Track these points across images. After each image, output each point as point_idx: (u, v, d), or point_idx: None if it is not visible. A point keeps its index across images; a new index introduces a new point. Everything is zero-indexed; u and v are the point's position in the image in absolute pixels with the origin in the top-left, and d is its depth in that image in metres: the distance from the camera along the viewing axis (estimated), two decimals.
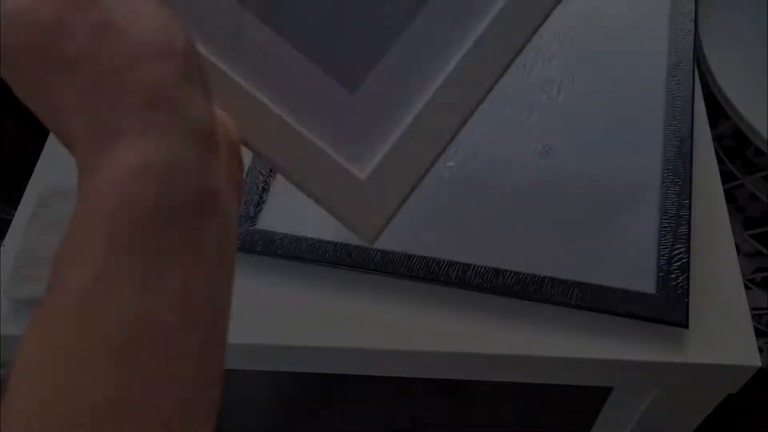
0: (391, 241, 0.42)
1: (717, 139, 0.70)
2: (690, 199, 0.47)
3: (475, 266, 0.43)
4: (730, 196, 0.74)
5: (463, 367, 0.46)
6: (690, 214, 0.46)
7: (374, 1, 0.30)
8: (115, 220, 0.18)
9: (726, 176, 0.72)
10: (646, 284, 0.42)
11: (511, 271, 0.43)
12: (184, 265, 0.18)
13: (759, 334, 0.78)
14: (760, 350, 0.82)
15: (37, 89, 0.20)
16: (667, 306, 0.42)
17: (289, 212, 0.47)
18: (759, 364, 0.41)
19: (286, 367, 0.49)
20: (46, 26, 0.19)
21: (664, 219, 0.45)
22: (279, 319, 0.45)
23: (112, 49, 0.19)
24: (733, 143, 0.76)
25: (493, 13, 0.29)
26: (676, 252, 0.44)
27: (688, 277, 0.43)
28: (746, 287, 0.71)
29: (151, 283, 0.18)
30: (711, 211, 0.47)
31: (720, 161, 0.69)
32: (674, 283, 0.42)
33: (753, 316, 0.75)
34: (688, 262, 0.44)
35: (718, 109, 0.69)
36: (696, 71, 0.52)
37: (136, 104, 0.19)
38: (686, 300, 0.42)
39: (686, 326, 0.41)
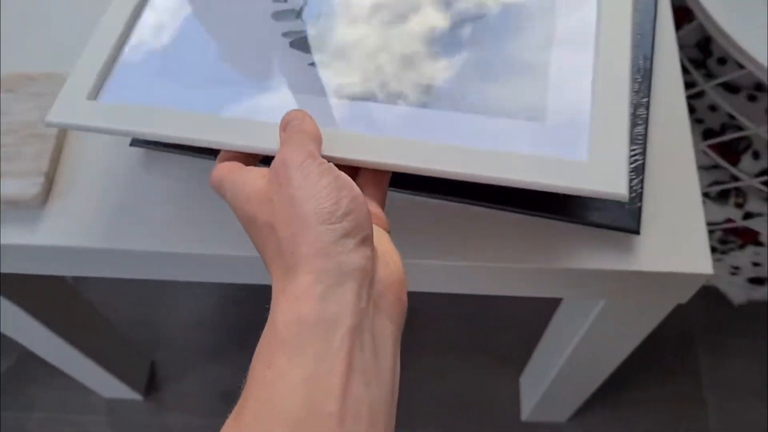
0: None
1: (679, 46, 0.66)
2: (648, 98, 0.43)
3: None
4: (689, 107, 0.71)
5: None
6: (648, 114, 0.43)
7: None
8: (287, 327, 0.26)
9: (686, 86, 0.69)
10: None
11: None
12: (343, 370, 0.25)
13: (713, 249, 0.77)
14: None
15: (255, 236, 0.31)
16: (618, 210, 0.39)
17: None
18: (711, 271, 0.38)
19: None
20: (263, 201, 0.30)
21: None
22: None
23: (294, 215, 0.28)
24: (697, 52, 0.73)
25: None
26: (631, 152, 0.40)
27: (642, 180, 0.40)
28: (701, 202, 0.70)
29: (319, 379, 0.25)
30: (671, 114, 0.43)
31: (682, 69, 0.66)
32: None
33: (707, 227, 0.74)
34: (644, 165, 0.41)
35: (682, 13, 0.65)
36: None
37: (307, 255, 0.27)
38: (639, 204, 0.39)
39: (638, 232, 0.39)
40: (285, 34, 0.42)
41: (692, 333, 0.89)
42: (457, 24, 0.41)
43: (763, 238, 0.69)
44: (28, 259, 0.43)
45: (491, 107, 0.38)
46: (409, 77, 0.40)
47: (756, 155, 0.68)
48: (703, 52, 0.73)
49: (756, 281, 0.79)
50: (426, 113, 0.38)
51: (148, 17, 0.42)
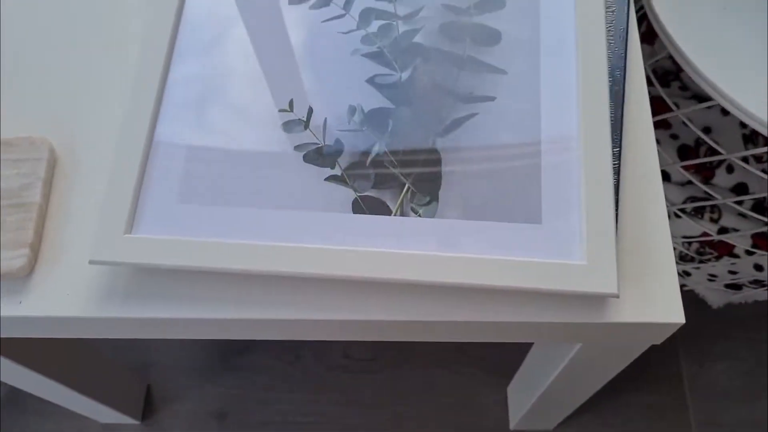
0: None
1: (653, 57, 0.67)
2: (620, 147, 0.44)
3: None
4: (663, 123, 0.72)
5: (378, 331, 0.44)
6: (619, 164, 0.44)
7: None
8: None
9: (661, 101, 0.70)
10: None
11: None
12: None
13: (688, 259, 0.79)
14: (688, 274, 0.83)
15: None
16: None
17: None
18: (683, 321, 0.40)
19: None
20: None
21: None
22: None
23: None
24: (671, 64, 0.74)
25: None
26: None
27: (616, 230, 0.41)
28: (676, 216, 0.71)
29: None
30: (643, 164, 0.44)
31: (653, 85, 0.66)
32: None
33: (682, 243, 0.75)
34: (617, 216, 0.42)
35: (654, 30, 0.66)
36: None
37: None
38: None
39: (617, 296, 0.40)
40: (297, 147, 0.43)
41: (674, 338, 0.91)
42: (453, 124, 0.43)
43: (738, 251, 0.71)
44: (15, 326, 0.43)
45: (489, 212, 0.40)
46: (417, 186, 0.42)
47: (730, 169, 0.70)
48: (677, 64, 0.74)
49: (733, 287, 0.81)
50: (433, 223, 0.41)
51: (161, 136, 0.44)
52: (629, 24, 0.48)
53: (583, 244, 0.39)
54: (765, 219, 0.58)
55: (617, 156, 0.44)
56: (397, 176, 0.42)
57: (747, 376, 0.89)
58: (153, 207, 0.42)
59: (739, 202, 0.66)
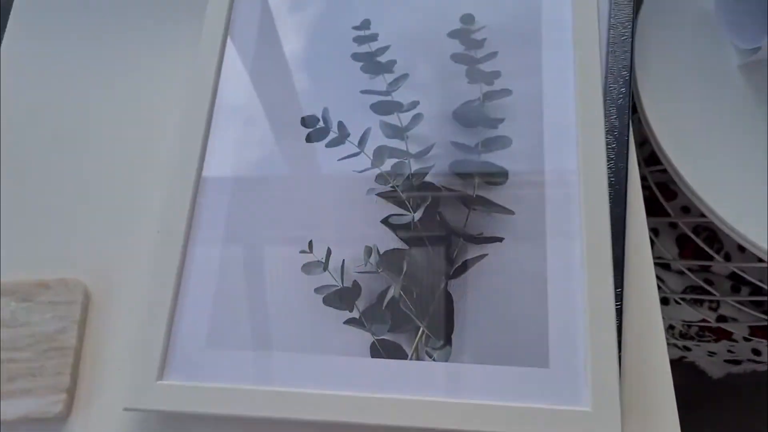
0: None
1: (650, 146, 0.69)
2: (622, 288, 0.47)
3: None
4: (662, 210, 0.75)
5: None
6: (621, 305, 0.46)
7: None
8: None
9: (663, 186, 0.73)
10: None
11: None
12: None
13: (688, 338, 0.81)
14: (688, 349, 0.86)
15: None
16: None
17: None
18: None
19: None
20: None
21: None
22: None
23: None
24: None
25: None
26: None
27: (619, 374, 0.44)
28: (676, 303, 0.74)
29: None
30: (644, 305, 0.47)
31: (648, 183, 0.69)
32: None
33: (682, 325, 0.78)
34: (620, 357, 0.45)
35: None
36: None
37: None
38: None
39: None
40: (317, 290, 0.45)
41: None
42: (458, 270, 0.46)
43: (737, 336, 0.74)
44: None
45: (500, 356, 0.43)
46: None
47: (727, 257, 0.72)
48: None
49: (733, 362, 0.84)
50: (446, 367, 0.44)
51: (188, 283, 0.47)
52: (629, 167, 0.50)
53: (588, 388, 0.42)
54: (763, 315, 0.60)
55: (619, 296, 0.46)
56: (412, 319, 0.45)
57: None
58: (183, 353, 0.44)
59: (737, 290, 0.69)
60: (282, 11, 0.56)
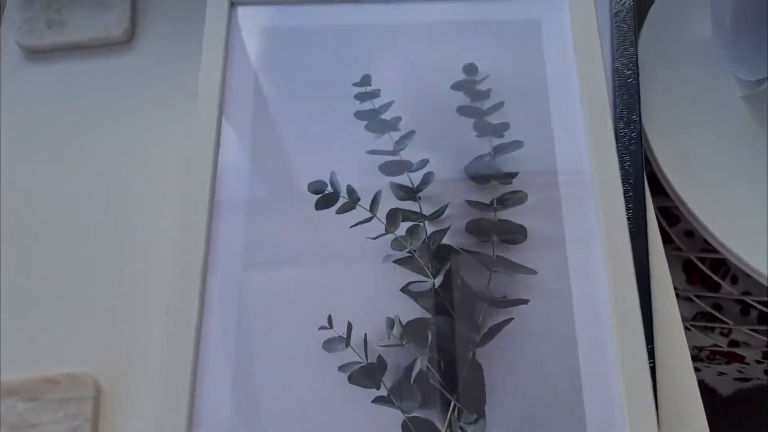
0: None
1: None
2: (653, 344, 0.46)
3: None
4: (666, 237, 0.75)
5: None
6: (654, 362, 0.45)
7: None
8: None
9: (663, 211, 0.72)
10: None
11: None
12: None
13: (699, 360, 0.81)
14: (698, 369, 0.86)
15: None
16: None
17: None
18: None
19: None
20: None
21: None
22: None
23: None
24: None
25: None
26: None
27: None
28: (687, 329, 0.73)
29: None
30: (675, 361, 0.46)
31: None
32: None
33: (693, 348, 0.78)
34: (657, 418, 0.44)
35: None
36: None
37: None
38: None
39: None
40: (341, 368, 0.44)
41: None
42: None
43: (749, 359, 0.74)
44: None
45: (533, 426, 0.42)
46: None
47: (734, 280, 0.72)
48: None
49: (742, 380, 0.84)
50: None
51: (204, 371, 0.44)
52: (648, 216, 0.50)
53: None
54: None
55: (651, 353, 0.45)
56: (442, 393, 0.43)
57: None
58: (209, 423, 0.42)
59: (746, 313, 0.69)
60: (277, 72, 0.54)
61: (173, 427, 0.42)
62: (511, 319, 0.45)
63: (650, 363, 0.45)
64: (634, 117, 0.51)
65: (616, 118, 0.52)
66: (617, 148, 0.50)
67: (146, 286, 0.49)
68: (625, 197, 0.48)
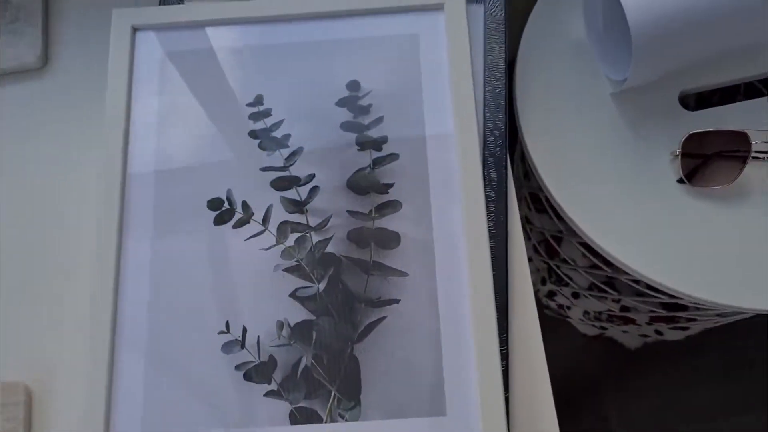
0: None
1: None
2: (507, 334, 0.53)
3: None
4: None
5: None
6: (507, 350, 0.52)
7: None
8: None
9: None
10: None
11: None
12: None
13: (603, 320, 0.89)
14: (605, 328, 0.93)
15: None
16: None
17: None
18: None
19: None
20: None
21: None
22: None
23: None
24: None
25: None
26: None
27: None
28: (585, 297, 0.81)
29: None
30: (527, 346, 0.53)
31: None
32: None
33: (594, 312, 0.85)
34: (507, 400, 0.51)
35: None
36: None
37: None
38: None
39: None
40: (237, 367, 0.50)
41: (598, 377, 1.02)
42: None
43: (640, 322, 0.81)
44: None
45: (404, 409, 0.49)
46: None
47: None
48: None
49: (645, 335, 0.92)
50: (357, 426, 0.49)
51: (120, 375, 0.51)
52: (509, 218, 0.55)
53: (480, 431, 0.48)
54: (658, 309, 0.67)
55: (505, 342, 0.52)
56: (324, 384, 0.50)
57: (664, 406, 1.01)
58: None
59: (637, 282, 0.76)
60: (177, 94, 0.58)
61: (94, 421, 0.49)
62: (385, 317, 0.51)
63: (503, 350, 0.52)
64: (500, 125, 0.57)
65: (485, 126, 0.57)
66: (483, 154, 0.56)
67: (66, 300, 0.55)
68: (487, 200, 0.54)
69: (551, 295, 0.90)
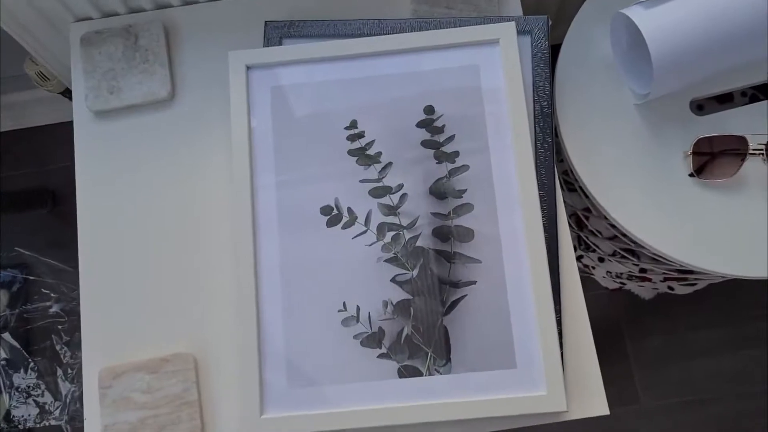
0: None
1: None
2: (560, 305, 0.68)
3: None
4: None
5: None
6: (560, 317, 0.68)
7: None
8: None
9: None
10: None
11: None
12: None
13: (622, 278, 1.05)
14: (623, 283, 1.09)
15: None
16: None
17: None
18: (608, 412, 0.66)
19: None
20: None
21: None
22: None
23: None
24: None
25: None
26: None
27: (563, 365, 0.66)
28: (609, 261, 0.96)
29: None
30: (575, 316, 0.69)
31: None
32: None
33: (615, 273, 1.01)
34: (562, 355, 0.67)
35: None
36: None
37: None
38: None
39: (566, 411, 0.65)
40: (355, 337, 0.66)
41: (618, 322, 1.19)
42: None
43: (655, 280, 0.97)
44: None
45: (485, 364, 0.65)
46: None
47: None
48: None
49: (656, 289, 1.08)
50: (449, 378, 0.65)
51: (265, 342, 0.67)
52: (558, 216, 0.70)
53: (543, 380, 0.64)
54: (670, 272, 0.82)
55: (558, 311, 0.68)
56: (422, 348, 0.66)
57: (675, 345, 1.17)
58: (273, 395, 0.66)
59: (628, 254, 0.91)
60: (286, 121, 0.73)
61: (251, 386, 0.65)
62: (465, 295, 0.67)
63: (558, 317, 0.68)
64: (548, 139, 0.71)
65: (535, 139, 0.72)
66: (536, 164, 0.71)
67: (213, 286, 0.71)
68: (540, 201, 0.69)
69: (579, 258, 1.05)
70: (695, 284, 0.97)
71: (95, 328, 0.70)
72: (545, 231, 0.69)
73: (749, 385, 1.15)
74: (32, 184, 1.30)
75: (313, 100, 0.73)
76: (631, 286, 1.08)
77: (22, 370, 1.14)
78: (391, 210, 0.70)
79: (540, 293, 0.66)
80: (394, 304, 0.68)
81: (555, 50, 0.82)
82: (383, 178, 0.71)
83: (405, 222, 0.69)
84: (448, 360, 0.66)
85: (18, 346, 1.14)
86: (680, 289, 1.00)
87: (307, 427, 0.65)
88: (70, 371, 1.13)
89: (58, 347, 1.14)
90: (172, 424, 0.66)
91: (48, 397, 1.14)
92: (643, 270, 0.95)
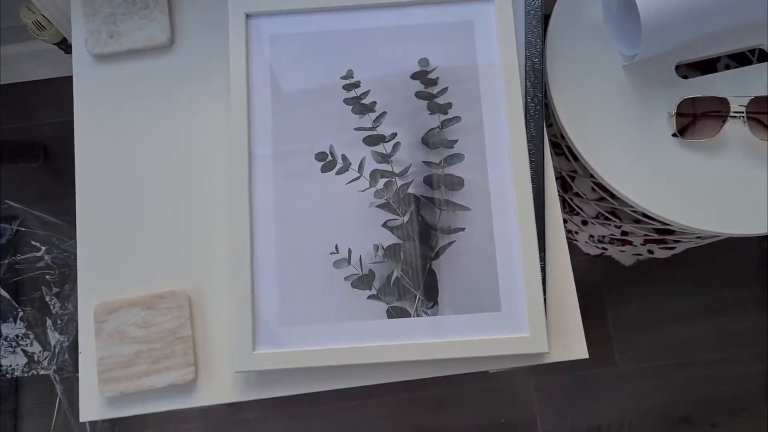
0: None
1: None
2: (544, 252, 0.71)
3: None
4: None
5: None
6: (544, 264, 0.71)
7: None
8: None
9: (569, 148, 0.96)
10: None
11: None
12: None
13: (604, 242, 1.08)
14: (605, 248, 1.12)
15: None
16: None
17: None
18: (587, 356, 0.68)
19: None
20: None
21: None
22: None
23: None
24: None
25: None
26: None
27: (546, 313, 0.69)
28: (592, 224, 0.99)
29: None
30: (559, 263, 0.71)
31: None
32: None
33: (598, 236, 1.04)
34: (545, 302, 0.69)
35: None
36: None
37: None
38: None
39: (548, 352, 0.68)
40: (346, 278, 0.68)
41: (598, 288, 1.22)
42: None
43: (636, 243, 1.00)
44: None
45: (470, 306, 0.67)
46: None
47: None
48: None
49: (637, 254, 1.11)
50: (436, 319, 0.68)
51: (258, 279, 0.69)
52: (545, 168, 0.73)
53: (526, 322, 0.67)
54: (650, 233, 0.85)
55: (543, 258, 0.70)
56: (411, 290, 0.68)
57: (651, 309, 1.21)
58: (265, 331, 0.68)
59: (635, 210, 0.94)
60: (284, 70, 0.74)
61: (245, 322, 0.67)
62: (454, 241, 0.69)
63: (542, 264, 0.70)
64: (539, 94, 0.73)
65: (526, 94, 0.74)
66: (525, 117, 0.73)
67: (208, 227, 0.73)
68: (529, 153, 0.72)
69: (563, 222, 1.08)
70: (674, 248, 1.00)
71: (91, 266, 0.72)
72: (532, 182, 0.71)
73: (724, 350, 1.20)
74: (24, 137, 1.31)
75: (310, 50, 0.75)
76: (612, 251, 1.11)
77: (11, 320, 1.15)
78: (384, 158, 0.72)
79: (526, 240, 0.68)
80: (384, 247, 0.70)
81: (548, 18, 0.84)
82: (377, 126, 0.73)
83: (397, 170, 0.71)
84: (436, 302, 0.68)
85: (7, 296, 1.15)
86: (660, 253, 1.03)
87: (298, 363, 0.67)
88: (59, 322, 1.14)
89: (47, 298, 1.16)
90: (166, 358, 0.68)
91: (36, 347, 1.15)
92: (624, 233, 0.98)
